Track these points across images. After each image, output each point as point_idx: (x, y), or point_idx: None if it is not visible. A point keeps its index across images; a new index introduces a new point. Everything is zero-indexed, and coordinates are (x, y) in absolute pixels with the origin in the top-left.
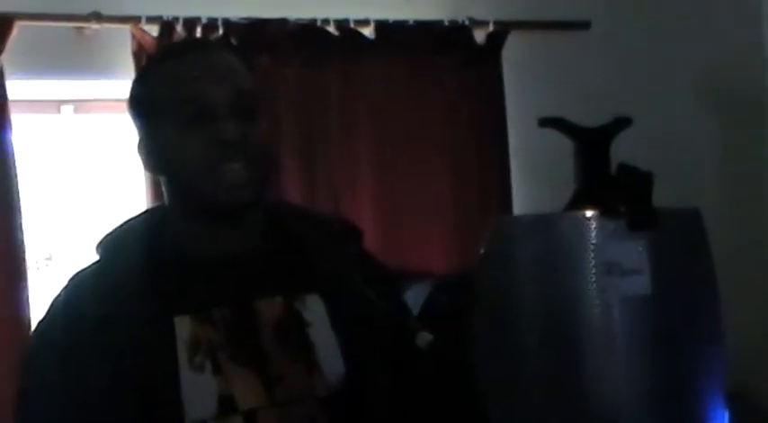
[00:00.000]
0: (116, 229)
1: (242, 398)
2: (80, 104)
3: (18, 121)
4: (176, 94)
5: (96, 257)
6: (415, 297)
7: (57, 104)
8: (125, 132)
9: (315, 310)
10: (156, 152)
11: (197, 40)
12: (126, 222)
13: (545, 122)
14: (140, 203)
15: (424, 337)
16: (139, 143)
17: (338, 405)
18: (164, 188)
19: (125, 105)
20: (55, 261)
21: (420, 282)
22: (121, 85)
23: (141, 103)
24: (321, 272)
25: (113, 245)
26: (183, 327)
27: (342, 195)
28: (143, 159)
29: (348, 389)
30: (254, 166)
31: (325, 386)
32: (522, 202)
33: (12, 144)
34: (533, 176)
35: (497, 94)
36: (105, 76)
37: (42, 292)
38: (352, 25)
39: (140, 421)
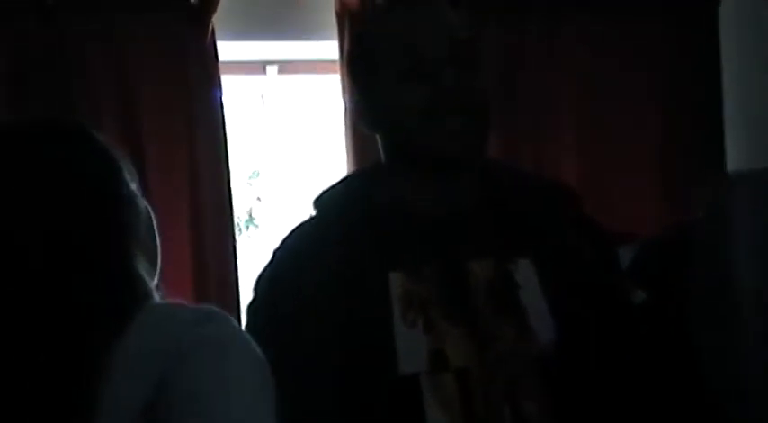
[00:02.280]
0: (333, 186)
1: (454, 355)
2: (284, 65)
3: (225, 81)
4: (394, 47)
5: (313, 212)
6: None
7: (262, 65)
8: (327, 93)
9: (526, 274)
10: (374, 107)
11: None
12: (343, 179)
13: None
14: (342, 164)
15: (640, 296)
16: (358, 100)
17: (549, 368)
18: (380, 145)
19: (328, 66)
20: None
21: (625, 243)
22: (324, 46)
23: (360, 59)
24: (535, 237)
25: (331, 200)
26: (397, 283)
27: (544, 154)
28: (361, 116)
29: (559, 352)
30: (471, 116)
31: (536, 349)
32: (734, 160)
33: (221, 104)
34: (746, 133)
35: (712, 48)
36: (309, 38)
37: (246, 251)
38: None
39: (355, 370)
